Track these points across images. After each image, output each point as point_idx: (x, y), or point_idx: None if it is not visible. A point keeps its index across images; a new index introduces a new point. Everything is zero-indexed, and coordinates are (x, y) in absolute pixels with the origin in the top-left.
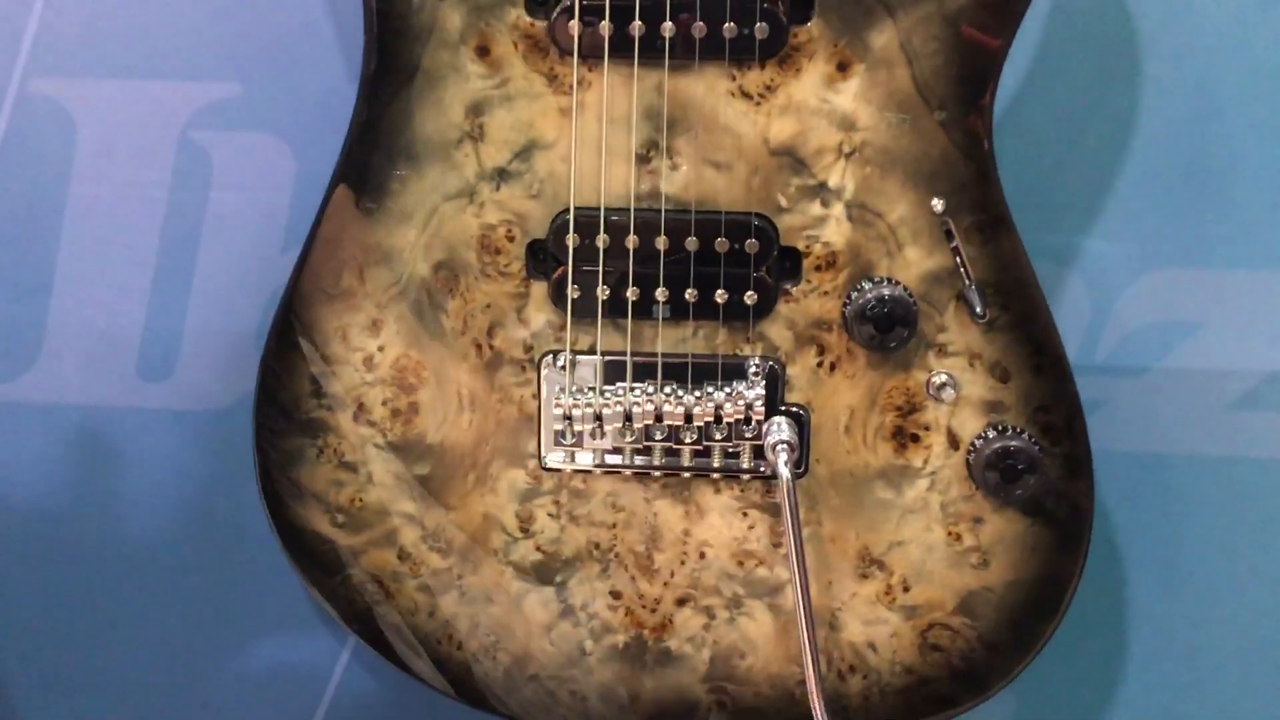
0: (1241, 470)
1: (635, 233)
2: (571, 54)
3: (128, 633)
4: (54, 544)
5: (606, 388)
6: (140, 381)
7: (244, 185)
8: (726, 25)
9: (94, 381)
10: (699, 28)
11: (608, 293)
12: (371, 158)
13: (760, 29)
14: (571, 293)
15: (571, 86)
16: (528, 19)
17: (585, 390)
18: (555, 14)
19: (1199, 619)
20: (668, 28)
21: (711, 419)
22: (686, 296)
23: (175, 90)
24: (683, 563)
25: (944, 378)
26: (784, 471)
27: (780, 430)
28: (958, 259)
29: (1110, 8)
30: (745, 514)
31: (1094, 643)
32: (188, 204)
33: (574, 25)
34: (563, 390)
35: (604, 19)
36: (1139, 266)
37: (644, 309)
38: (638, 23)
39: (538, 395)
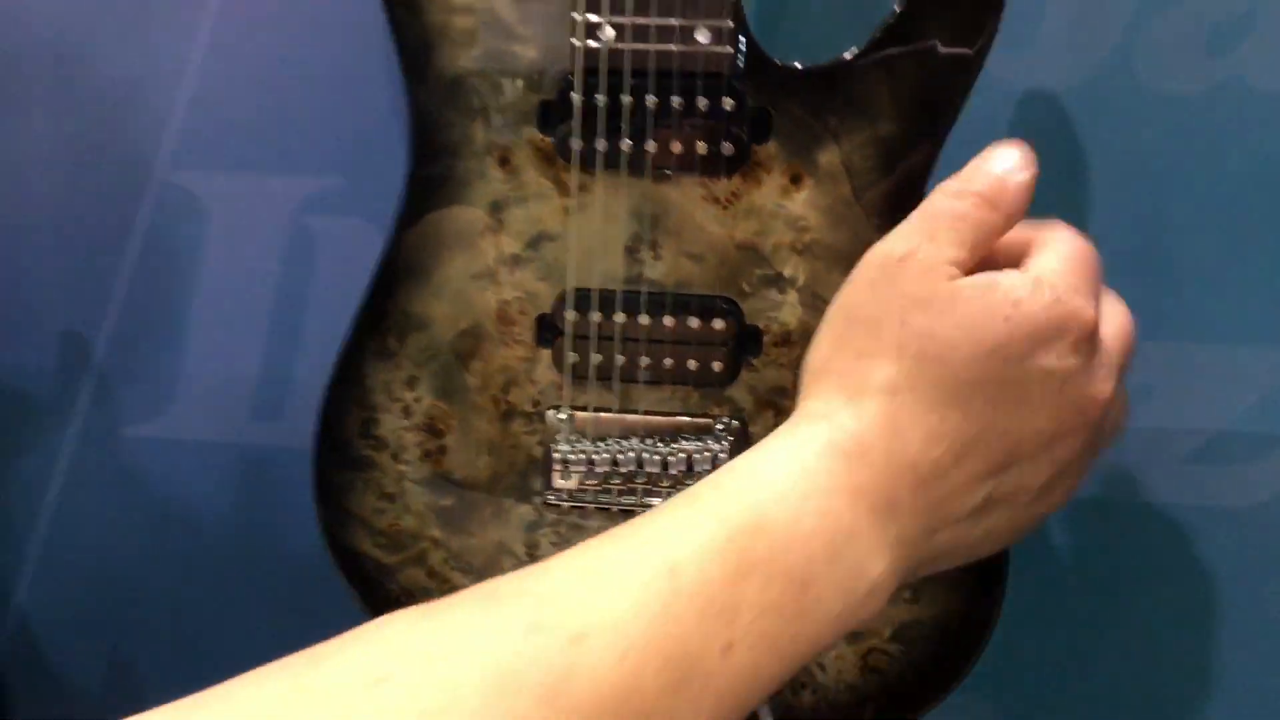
0: (1194, 517)
1: (622, 310)
2: (575, 165)
3: (239, 633)
4: (185, 556)
5: (598, 440)
6: (255, 422)
7: (342, 262)
8: (699, 144)
9: (218, 421)
10: (676, 147)
11: (600, 360)
12: (416, 245)
13: (726, 148)
14: (570, 359)
15: (574, 191)
16: (540, 135)
17: (582, 440)
18: (561, 131)
19: (1153, 654)
20: (650, 145)
21: (685, 468)
22: (665, 364)
23: (289, 183)
24: None
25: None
26: None
27: None
28: None
29: (1067, 125)
30: None
31: (1051, 674)
32: (296, 277)
33: (575, 142)
34: (564, 440)
35: (599, 137)
36: None
37: (630, 374)
38: (626, 141)
39: (543, 443)
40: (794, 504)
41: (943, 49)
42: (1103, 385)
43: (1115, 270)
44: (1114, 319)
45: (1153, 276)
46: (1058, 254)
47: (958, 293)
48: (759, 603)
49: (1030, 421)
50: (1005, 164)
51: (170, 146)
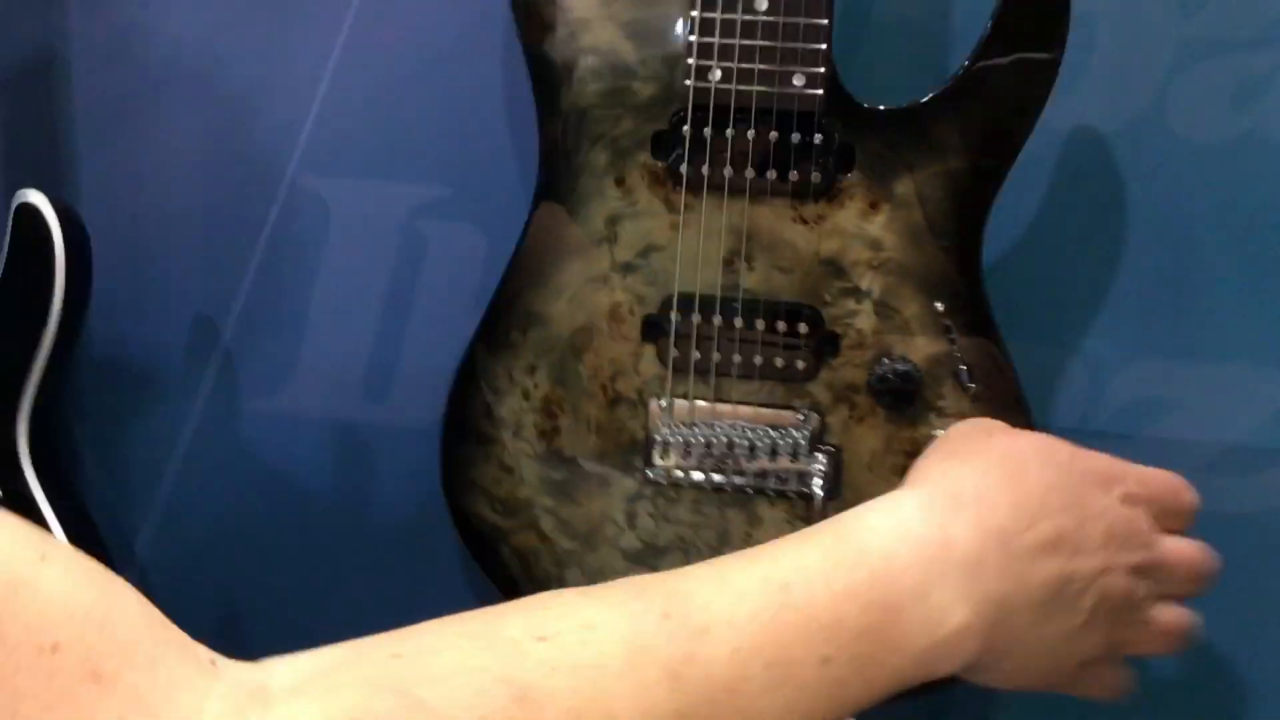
0: (1206, 522)
1: (719, 314)
2: (683, 186)
3: (340, 590)
4: (293, 519)
5: (694, 425)
6: (365, 402)
7: (449, 261)
8: (792, 172)
9: (331, 400)
10: (772, 173)
11: (698, 356)
12: (541, 252)
13: (815, 176)
14: (672, 354)
15: (680, 209)
16: (653, 160)
17: (680, 425)
18: (671, 157)
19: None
20: (749, 172)
21: (770, 451)
22: (755, 361)
23: (405, 188)
24: None
25: (940, 432)
26: (817, 493)
27: (818, 463)
28: (952, 346)
29: (1105, 158)
30: (791, 524)
31: None
32: (407, 274)
33: (684, 166)
34: (664, 424)
35: (705, 163)
36: (1128, 356)
37: (724, 369)
38: (728, 168)
39: (645, 426)
40: (892, 544)
41: (1024, 59)
42: (1133, 557)
43: (1147, 294)
44: (1183, 544)
45: (1180, 300)
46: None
47: (1032, 430)
48: (857, 625)
49: (1088, 546)
50: None
51: (299, 152)
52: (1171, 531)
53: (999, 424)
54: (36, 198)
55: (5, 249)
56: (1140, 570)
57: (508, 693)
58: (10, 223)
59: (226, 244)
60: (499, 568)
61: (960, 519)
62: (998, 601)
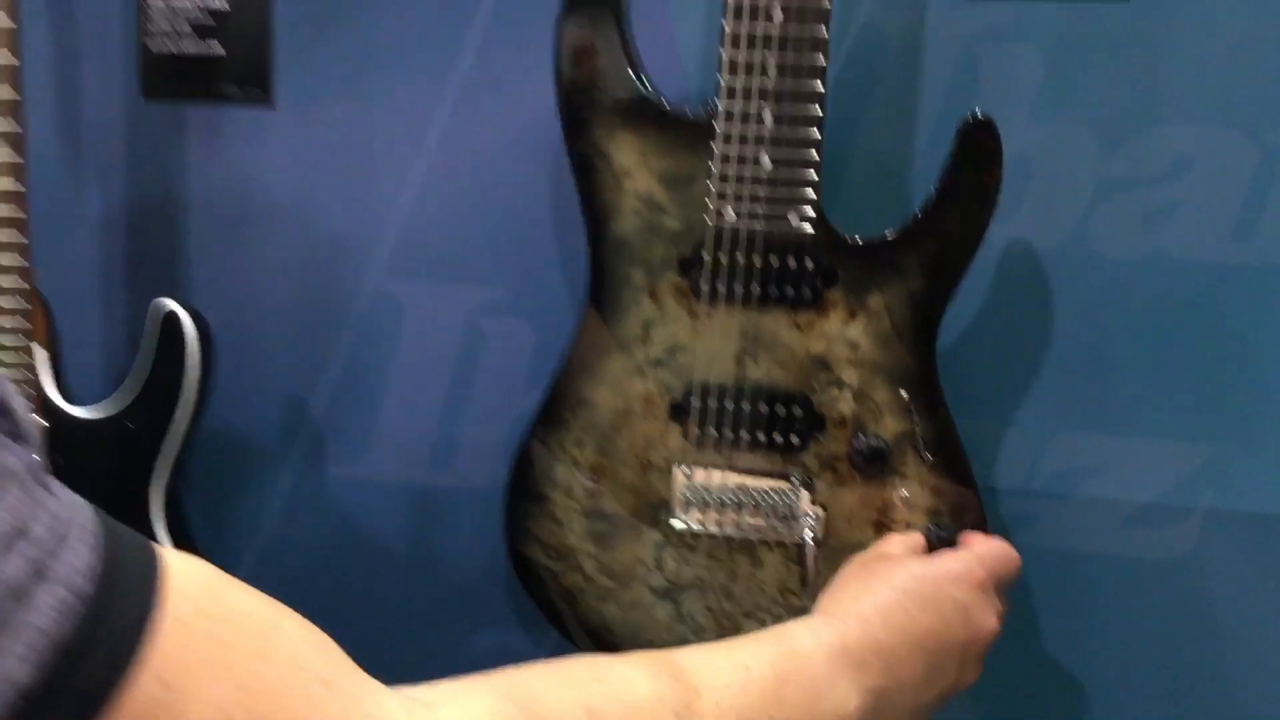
0: (1126, 563)
1: (731, 399)
2: (703, 298)
3: (411, 632)
4: (372, 567)
5: (710, 487)
6: (432, 469)
7: (504, 351)
8: (788, 289)
9: (404, 466)
10: (773, 289)
11: (714, 432)
12: (588, 349)
13: (806, 292)
14: (694, 431)
15: (701, 316)
16: (679, 278)
17: (699, 487)
18: (694, 276)
19: (1091, 668)
20: (755, 288)
21: (771, 508)
22: (758, 437)
23: (468, 290)
24: (749, 592)
25: (904, 492)
26: (809, 542)
27: (808, 517)
28: (914, 425)
29: (1038, 271)
30: (788, 565)
31: (1008, 684)
32: (468, 361)
33: (704, 283)
34: (686, 487)
35: (721, 281)
36: (1059, 429)
37: (734, 443)
38: (739, 285)
39: (670, 488)
40: (812, 647)
41: (966, 208)
42: (990, 622)
43: (1073, 380)
44: (1002, 611)
45: (1100, 384)
46: (976, 545)
47: (902, 556)
48: (792, 700)
49: (951, 633)
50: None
51: (380, 261)
52: (1004, 587)
53: (874, 556)
54: (174, 305)
55: (147, 347)
56: (988, 640)
57: (585, 713)
58: (155, 326)
59: (316, 337)
60: (549, 604)
61: (853, 635)
62: (878, 692)
